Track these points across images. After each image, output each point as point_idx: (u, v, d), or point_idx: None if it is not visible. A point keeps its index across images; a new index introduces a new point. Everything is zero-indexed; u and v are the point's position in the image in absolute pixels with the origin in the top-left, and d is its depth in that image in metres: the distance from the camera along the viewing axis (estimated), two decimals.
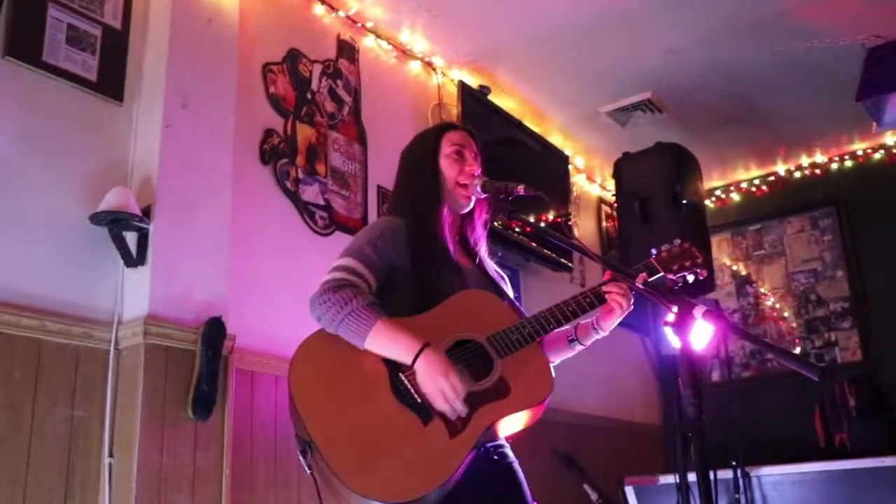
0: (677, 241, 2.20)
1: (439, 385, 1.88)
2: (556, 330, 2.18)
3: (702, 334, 3.72)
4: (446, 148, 2.26)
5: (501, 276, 2.35)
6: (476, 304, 2.09)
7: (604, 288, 2.13)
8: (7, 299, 2.45)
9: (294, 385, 1.94)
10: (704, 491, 1.82)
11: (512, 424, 2.01)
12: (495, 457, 2.11)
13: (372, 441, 1.87)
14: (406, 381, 1.93)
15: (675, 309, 1.90)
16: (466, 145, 2.28)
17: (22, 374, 2.44)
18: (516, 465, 2.16)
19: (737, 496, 3.98)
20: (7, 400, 2.38)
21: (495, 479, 2.08)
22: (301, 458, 1.92)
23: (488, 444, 2.08)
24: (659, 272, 2.16)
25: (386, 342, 1.95)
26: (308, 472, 1.92)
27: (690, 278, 2.20)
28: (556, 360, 2.26)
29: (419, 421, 1.89)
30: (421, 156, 2.30)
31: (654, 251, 2.21)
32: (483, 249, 2.31)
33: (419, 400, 1.91)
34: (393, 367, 1.95)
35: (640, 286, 2.03)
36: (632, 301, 2.13)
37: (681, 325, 1.90)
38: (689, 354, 1.92)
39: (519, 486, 2.13)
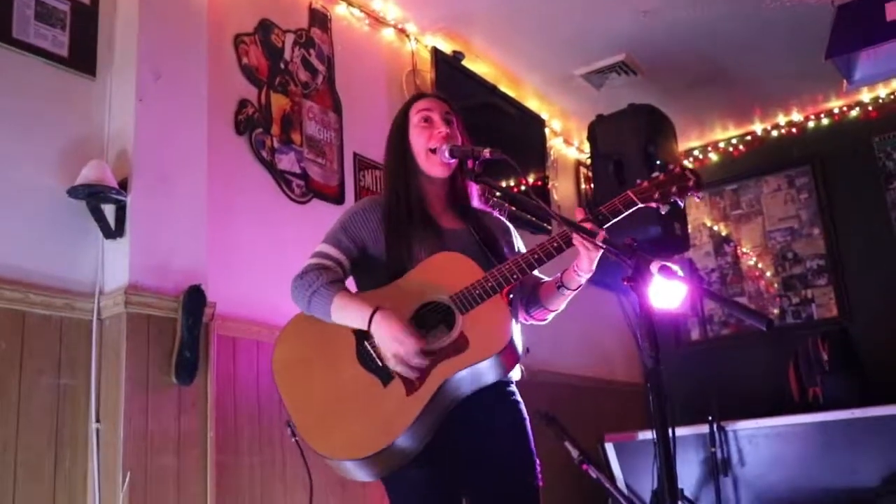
0: (669, 167, 2.15)
1: (392, 346, 1.98)
2: (546, 280, 2.27)
3: (675, 292, 3.81)
4: (414, 118, 2.31)
5: (503, 228, 2.38)
6: (445, 266, 2.14)
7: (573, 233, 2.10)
8: None
9: (274, 365, 2.11)
10: (661, 437, 1.91)
11: (478, 376, 2.05)
12: (509, 406, 2.20)
13: (334, 406, 2.02)
14: (369, 347, 2.04)
15: (633, 264, 1.97)
16: (434, 109, 2.31)
17: (8, 344, 2.50)
18: (526, 422, 2.23)
19: (712, 449, 4.09)
20: None
21: (500, 436, 2.16)
22: (287, 427, 2.11)
23: (501, 389, 2.17)
24: (636, 203, 2.12)
25: (344, 313, 2.07)
26: (293, 439, 2.15)
27: (682, 203, 2.18)
28: (555, 307, 2.31)
29: (380, 383, 2.01)
30: (394, 133, 2.36)
31: (637, 181, 2.17)
32: (476, 204, 2.35)
33: (380, 363, 2.02)
34: (360, 336, 2.06)
35: (599, 243, 2.08)
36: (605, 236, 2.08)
37: (638, 280, 1.98)
38: (646, 309, 1.99)
39: (524, 446, 2.20)
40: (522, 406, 2.25)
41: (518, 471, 2.18)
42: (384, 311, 2.01)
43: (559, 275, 2.27)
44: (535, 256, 2.11)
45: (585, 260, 2.15)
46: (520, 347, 2.09)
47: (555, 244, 2.12)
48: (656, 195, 2.13)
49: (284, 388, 2.08)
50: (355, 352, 2.06)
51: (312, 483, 2.36)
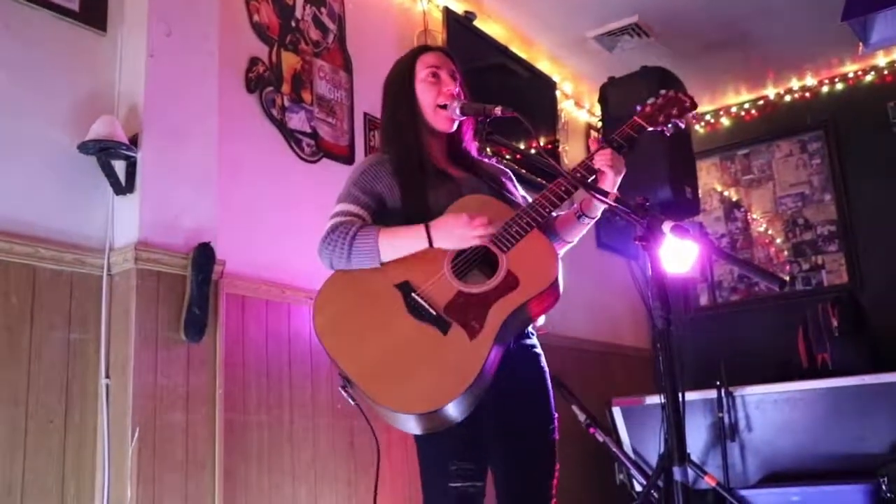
0: (661, 92, 2.24)
1: (462, 230, 2.03)
2: (563, 212, 2.28)
3: (686, 255, 3.78)
4: (421, 72, 2.30)
5: (503, 172, 2.41)
6: (472, 209, 2.14)
7: (594, 156, 2.19)
8: (0, 227, 2.50)
9: (319, 330, 2.05)
10: (671, 397, 1.91)
11: (531, 312, 2.08)
12: (531, 359, 2.23)
13: (399, 362, 1.98)
14: (419, 299, 2.02)
15: (644, 223, 1.96)
16: (442, 65, 2.31)
17: (18, 299, 2.50)
18: (546, 374, 2.26)
19: (720, 414, 4.10)
20: (5, 323, 2.46)
21: (521, 393, 2.19)
22: (342, 391, 2.04)
23: (523, 342, 2.19)
24: (645, 127, 2.20)
25: (396, 242, 2.07)
26: (352, 403, 2.03)
27: (682, 125, 2.24)
28: (573, 238, 2.34)
29: (439, 332, 1.98)
30: (397, 84, 2.35)
31: (637, 108, 2.24)
32: (474, 153, 2.37)
33: (434, 312, 2.00)
34: (406, 289, 2.04)
35: (613, 203, 2.08)
36: (623, 161, 2.20)
37: (650, 239, 1.97)
38: (658, 268, 1.98)
39: (545, 401, 2.24)
40: (542, 359, 2.27)
41: (536, 426, 2.20)
42: (435, 221, 2.06)
43: (577, 205, 2.28)
44: (563, 189, 2.14)
45: (609, 182, 2.19)
46: (562, 284, 2.09)
47: (579, 174, 2.17)
48: (661, 118, 2.21)
49: (336, 350, 2.02)
50: (405, 305, 2.02)
51: (380, 447, 2.33)
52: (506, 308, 1.99)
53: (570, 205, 2.32)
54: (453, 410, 1.93)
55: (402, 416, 1.93)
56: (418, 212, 2.15)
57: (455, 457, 2.06)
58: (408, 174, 2.20)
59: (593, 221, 2.30)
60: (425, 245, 2.05)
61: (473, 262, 2.09)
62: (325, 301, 2.10)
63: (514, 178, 2.43)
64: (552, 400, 2.24)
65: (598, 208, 2.25)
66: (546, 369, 2.26)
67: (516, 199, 2.32)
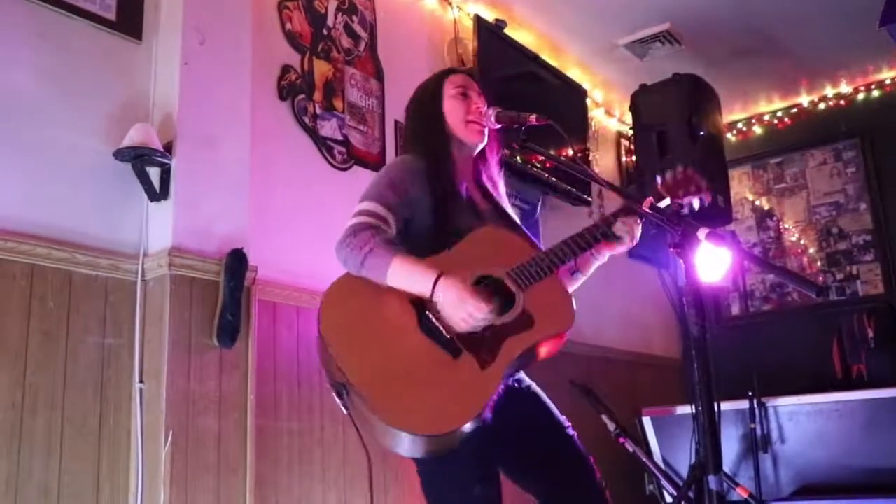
0: (680, 168, 2.18)
1: (459, 312, 1.94)
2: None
3: (718, 264, 3.74)
4: (450, 90, 2.31)
5: (516, 210, 2.41)
6: (494, 241, 2.14)
7: (618, 219, 2.17)
8: (39, 232, 2.54)
9: (325, 329, 1.99)
10: (706, 406, 1.89)
11: (537, 354, 2.07)
12: (514, 384, 2.20)
13: (406, 379, 1.93)
14: (433, 319, 1.99)
15: (679, 231, 1.95)
16: (469, 86, 2.33)
17: (55, 303, 2.54)
18: (535, 387, 2.25)
19: (752, 425, 4.05)
20: (42, 328, 2.50)
21: (520, 405, 2.17)
22: (337, 399, 1.98)
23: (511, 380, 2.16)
24: (665, 198, 2.14)
25: (404, 275, 2.00)
26: (345, 412, 1.99)
27: (696, 204, 2.21)
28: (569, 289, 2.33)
29: (449, 356, 1.95)
30: (425, 102, 2.35)
31: (658, 178, 2.21)
32: (501, 188, 2.38)
33: (447, 336, 1.97)
34: (420, 306, 2.00)
35: (648, 210, 2.06)
36: (639, 233, 2.19)
37: (685, 247, 1.95)
38: (693, 276, 1.97)
39: (545, 405, 2.23)
40: (530, 383, 2.26)
41: (555, 432, 2.19)
42: (449, 276, 1.97)
43: (573, 262, 2.26)
44: (585, 240, 2.14)
45: (611, 249, 2.24)
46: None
47: (601, 231, 2.16)
48: (680, 192, 2.12)
49: (342, 356, 1.95)
50: (417, 322, 1.99)
51: (370, 459, 2.28)
52: (519, 345, 1.99)
53: None
54: (453, 438, 1.89)
55: (401, 434, 1.87)
56: (445, 229, 2.13)
57: (478, 482, 2.00)
58: (438, 189, 2.17)
59: (585, 278, 2.34)
60: (427, 293, 1.98)
61: (489, 290, 2.06)
62: (335, 300, 2.04)
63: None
64: (555, 411, 2.23)
65: (593, 266, 2.30)
66: (532, 384, 2.26)
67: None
